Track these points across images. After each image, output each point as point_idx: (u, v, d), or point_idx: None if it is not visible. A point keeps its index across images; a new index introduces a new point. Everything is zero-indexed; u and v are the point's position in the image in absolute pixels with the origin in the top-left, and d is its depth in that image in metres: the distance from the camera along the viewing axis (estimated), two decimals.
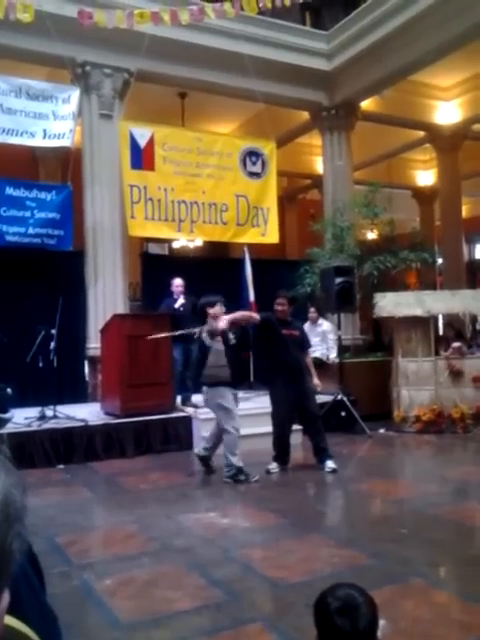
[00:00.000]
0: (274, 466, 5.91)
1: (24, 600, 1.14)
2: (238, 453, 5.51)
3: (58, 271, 8.37)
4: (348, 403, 7.61)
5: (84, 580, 3.36)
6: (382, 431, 7.72)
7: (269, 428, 6.17)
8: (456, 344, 7.96)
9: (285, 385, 5.89)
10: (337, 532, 4.25)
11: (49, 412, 6.75)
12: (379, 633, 1.45)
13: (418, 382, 7.80)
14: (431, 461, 6.74)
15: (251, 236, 9.15)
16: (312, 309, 8.83)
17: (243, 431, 6.80)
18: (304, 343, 6.25)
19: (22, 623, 1.02)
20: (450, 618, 2.84)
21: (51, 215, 7.92)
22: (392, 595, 2.99)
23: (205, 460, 5.88)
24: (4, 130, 7.53)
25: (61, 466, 6.28)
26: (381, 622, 1.47)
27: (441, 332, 9.79)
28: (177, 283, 7.77)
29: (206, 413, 7.25)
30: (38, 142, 7.88)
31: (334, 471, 5.76)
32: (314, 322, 8.81)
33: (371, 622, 1.42)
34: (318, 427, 6.01)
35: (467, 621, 2.72)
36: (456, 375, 7.73)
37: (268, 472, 5.81)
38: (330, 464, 5.82)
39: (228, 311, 5.96)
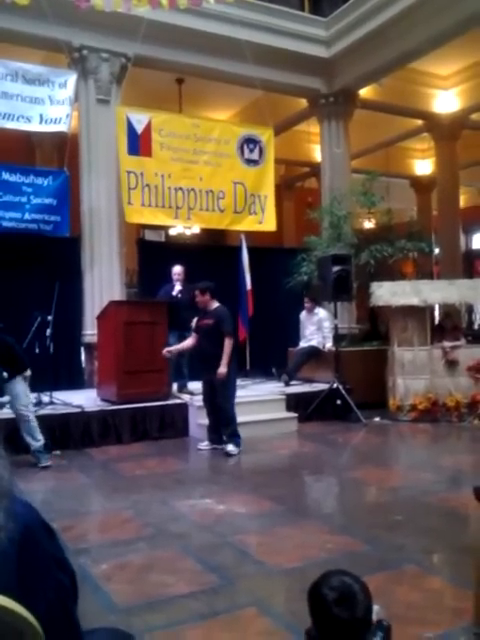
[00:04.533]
0: (205, 444, 6.38)
1: (35, 578, 1.16)
2: None
3: (54, 257, 8.32)
4: (344, 391, 7.64)
5: (80, 565, 3.36)
6: (377, 419, 7.76)
7: (261, 416, 6.30)
8: (448, 343, 7.91)
9: (202, 372, 6.45)
10: (332, 519, 4.28)
11: (45, 398, 6.75)
12: (374, 617, 1.46)
13: (414, 371, 7.83)
14: (426, 449, 6.77)
15: (248, 224, 9.13)
16: (307, 299, 8.83)
17: (247, 418, 6.86)
18: (215, 329, 6.13)
19: (14, 602, 1.03)
20: (443, 603, 2.87)
21: (48, 201, 7.88)
22: (386, 581, 3.02)
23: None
24: (0, 115, 7.48)
25: (57, 452, 6.28)
26: (375, 607, 1.48)
27: (437, 322, 9.80)
28: (177, 271, 7.75)
29: (201, 400, 7.28)
30: (34, 127, 7.83)
31: (227, 454, 6.08)
32: (310, 311, 8.81)
33: (367, 609, 1.44)
34: (222, 417, 6.26)
35: (459, 606, 2.75)
36: (451, 364, 7.76)
37: (199, 450, 6.28)
38: (229, 448, 6.13)
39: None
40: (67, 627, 1.21)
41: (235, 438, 6.19)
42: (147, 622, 2.74)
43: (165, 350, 6.55)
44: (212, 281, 9.32)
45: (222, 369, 6.02)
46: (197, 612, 2.82)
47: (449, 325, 8.39)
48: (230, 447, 6.12)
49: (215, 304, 6.31)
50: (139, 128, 8.23)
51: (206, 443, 6.38)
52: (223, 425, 6.26)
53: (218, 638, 2.61)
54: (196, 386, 7.72)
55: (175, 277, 7.74)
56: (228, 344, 6.08)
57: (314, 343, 8.69)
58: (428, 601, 2.86)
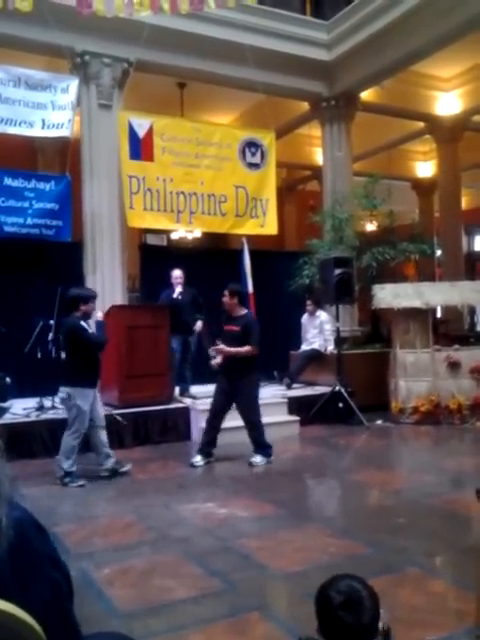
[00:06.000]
0: (198, 459, 5.90)
1: (32, 577, 1.16)
2: (73, 457, 5.33)
3: (57, 262, 8.34)
4: (346, 394, 7.63)
5: (82, 569, 3.37)
6: (379, 422, 7.75)
7: (263, 419, 6.23)
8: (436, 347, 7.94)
9: (220, 378, 6.03)
10: (334, 522, 4.28)
11: (47, 403, 6.77)
12: (385, 625, 1.46)
13: (416, 373, 7.82)
14: (428, 452, 6.76)
15: (250, 227, 9.13)
16: (308, 302, 8.84)
17: (241, 422, 6.80)
18: (242, 337, 5.85)
19: (15, 606, 1.04)
20: (446, 606, 2.87)
21: (50, 205, 7.89)
22: (389, 584, 3.01)
23: (114, 472, 5.55)
24: (3, 120, 7.49)
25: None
26: (380, 611, 1.48)
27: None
28: (176, 274, 7.77)
29: (205, 404, 7.28)
30: (37, 132, 7.84)
31: (251, 465, 5.81)
32: (312, 314, 8.82)
33: (374, 615, 1.43)
34: (249, 422, 5.99)
35: (462, 609, 2.75)
36: (453, 366, 7.74)
37: (192, 465, 5.84)
38: (255, 459, 5.85)
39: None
40: (65, 627, 1.21)
41: (266, 449, 5.94)
42: (149, 627, 2.74)
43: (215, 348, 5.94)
44: (215, 284, 9.36)
45: (229, 349, 5.77)
46: (199, 617, 2.82)
47: (442, 330, 8.40)
48: (257, 458, 5.87)
49: (243, 310, 6.04)
50: (141, 133, 8.24)
51: (199, 458, 5.91)
52: (251, 436, 5.95)
53: None
54: (198, 390, 7.74)
55: (175, 281, 7.76)
56: (248, 349, 5.78)
57: (316, 346, 8.69)
58: (431, 604, 2.85)
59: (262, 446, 5.95)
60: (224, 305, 6.00)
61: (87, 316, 5.44)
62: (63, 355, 5.46)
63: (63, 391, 5.36)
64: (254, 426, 5.96)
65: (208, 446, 5.99)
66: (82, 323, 5.31)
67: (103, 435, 5.53)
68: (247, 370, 5.86)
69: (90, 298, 5.44)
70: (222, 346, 5.82)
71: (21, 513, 1.20)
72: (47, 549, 1.25)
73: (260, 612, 2.84)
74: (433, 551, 3.61)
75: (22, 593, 1.09)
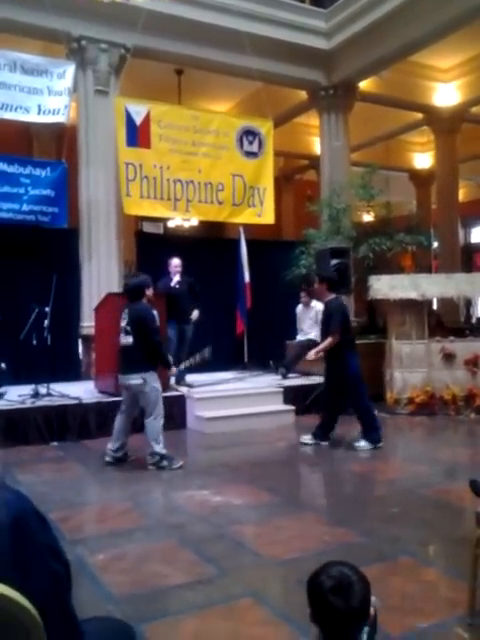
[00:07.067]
0: (309, 437, 6.21)
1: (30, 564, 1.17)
2: (162, 439, 5.31)
3: (52, 249, 8.32)
4: None
5: (77, 555, 3.37)
6: (374, 413, 7.75)
7: (258, 408, 6.27)
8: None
9: None
10: (329, 510, 4.30)
11: (43, 390, 6.75)
12: (371, 609, 1.47)
13: (411, 364, 7.84)
14: (422, 442, 6.80)
15: (247, 216, 9.11)
16: (303, 293, 8.83)
17: (245, 410, 6.82)
18: (327, 323, 6.06)
19: (14, 591, 1.04)
20: (438, 594, 2.89)
21: (45, 192, 7.86)
22: (381, 572, 3.03)
23: (121, 460, 5.48)
24: None
25: (55, 443, 6.31)
26: (372, 598, 1.49)
27: None
28: (175, 263, 7.75)
29: (200, 392, 7.30)
30: (33, 118, 7.80)
31: (353, 448, 5.93)
32: (306, 305, 8.82)
33: (364, 600, 1.45)
34: (354, 408, 6.18)
35: (454, 597, 2.77)
36: (448, 358, 7.77)
37: (304, 444, 6.15)
38: (359, 443, 5.97)
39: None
40: (63, 617, 1.21)
41: (370, 433, 5.97)
42: (143, 612, 2.75)
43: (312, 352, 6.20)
44: (211, 273, 9.37)
45: (311, 352, 6.12)
46: (193, 602, 2.84)
47: (432, 322, 8.41)
48: (361, 442, 5.96)
49: (330, 296, 6.13)
50: (138, 119, 8.20)
51: (309, 437, 6.20)
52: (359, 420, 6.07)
53: (214, 628, 2.62)
54: (194, 378, 7.75)
55: (174, 269, 7.74)
56: (327, 343, 5.94)
57: (312, 336, 8.67)
58: (423, 592, 2.87)
59: (366, 428, 6.02)
60: (316, 292, 6.26)
61: (151, 301, 5.50)
62: (130, 340, 5.31)
63: (137, 377, 5.25)
64: (357, 411, 6.11)
65: (318, 428, 6.24)
66: (154, 312, 5.33)
67: (129, 425, 5.51)
68: (334, 358, 5.98)
69: (150, 284, 5.57)
70: (311, 353, 6.14)
71: (19, 500, 1.20)
72: (47, 539, 1.25)
73: (254, 598, 2.85)
74: (426, 540, 3.64)
75: (21, 583, 1.09)
